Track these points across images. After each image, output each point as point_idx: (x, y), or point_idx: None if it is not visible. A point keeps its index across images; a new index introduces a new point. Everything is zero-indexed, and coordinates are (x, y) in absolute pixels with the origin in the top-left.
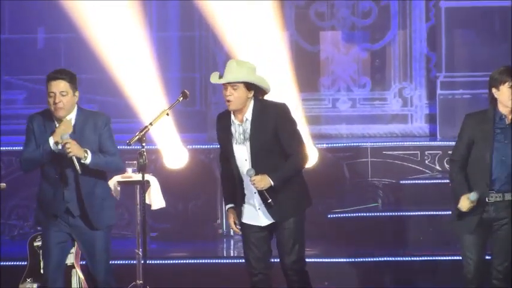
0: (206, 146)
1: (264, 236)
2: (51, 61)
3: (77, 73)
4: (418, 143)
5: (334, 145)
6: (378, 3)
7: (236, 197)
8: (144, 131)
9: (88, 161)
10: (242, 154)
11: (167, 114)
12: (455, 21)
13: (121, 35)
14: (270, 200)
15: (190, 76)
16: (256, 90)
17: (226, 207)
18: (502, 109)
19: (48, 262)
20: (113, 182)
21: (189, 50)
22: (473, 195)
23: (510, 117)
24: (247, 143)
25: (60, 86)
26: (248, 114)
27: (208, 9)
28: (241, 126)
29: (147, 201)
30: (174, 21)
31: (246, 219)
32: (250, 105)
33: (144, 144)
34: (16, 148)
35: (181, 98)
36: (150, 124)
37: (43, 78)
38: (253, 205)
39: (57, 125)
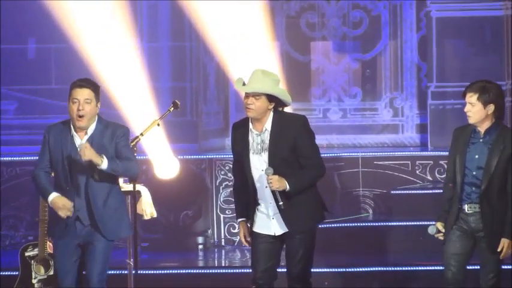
0: (197, 156)
1: (275, 247)
2: (42, 71)
3: (67, 83)
4: (409, 153)
5: (325, 155)
6: (368, 14)
7: (249, 208)
8: (135, 141)
9: (104, 166)
10: (258, 164)
11: (158, 125)
12: (446, 31)
13: (111, 45)
14: (281, 203)
15: (181, 86)
16: (277, 102)
17: (238, 221)
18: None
19: (67, 275)
20: None
21: (180, 60)
22: (430, 229)
23: (483, 132)
24: (265, 154)
25: (84, 94)
26: (268, 124)
27: (198, 20)
28: (259, 136)
29: (138, 212)
30: (165, 32)
31: (257, 229)
32: (270, 115)
33: (135, 154)
34: (7, 158)
35: (172, 108)
36: (141, 134)
37: (34, 88)
38: (266, 214)
39: (73, 134)
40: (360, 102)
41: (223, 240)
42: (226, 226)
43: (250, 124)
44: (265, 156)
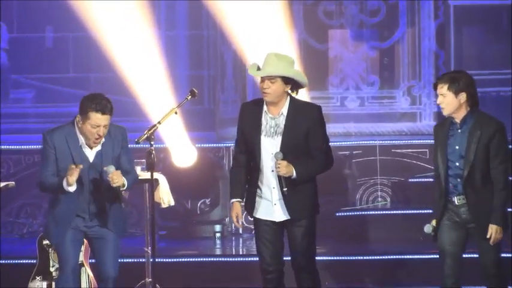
0: (215, 145)
1: (278, 233)
2: (59, 60)
3: (85, 72)
4: (426, 141)
5: (343, 143)
6: (386, 1)
7: (248, 191)
8: (153, 129)
9: (126, 187)
10: (269, 147)
11: (175, 113)
12: (464, 18)
13: (129, 34)
14: (285, 189)
15: (199, 74)
16: (294, 84)
17: (233, 201)
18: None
19: (67, 262)
20: None
21: (197, 48)
22: (427, 228)
23: (459, 122)
24: (278, 137)
25: (105, 121)
26: (284, 109)
27: (216, 8)
28: (274, 120)
29: (156, 200)
30: (182, 20)
31: (260, 215)
32: (287, 100)
33: (152, 142)
34: (24, 147)
35: (190, 97)
36: (159, 123)
37: (51, 77)
38: (269, 200)
39: (80, 142)
40: (378, 90)
41: (240, 228)
42: (244, 214)
43: (264, 106)
44: (278, 140)
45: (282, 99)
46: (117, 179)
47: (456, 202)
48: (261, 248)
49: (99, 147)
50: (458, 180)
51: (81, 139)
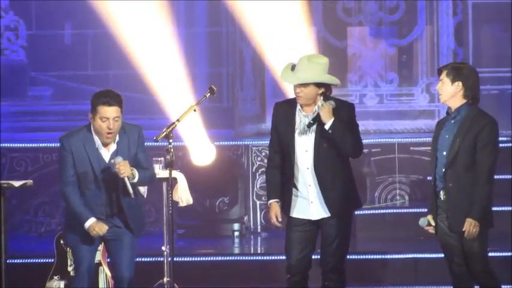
0: (233, 143)
1: (311, 234)
2: (78, 57)
3: (103, 69)
4: None
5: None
6: None
7: (284, 190)
8: (171, 127)
9: (136, 179)
10: (303, 145)
11: (194, 111)
12: (483, 16)
13: (148, 31)
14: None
15: (218, 72)
16: (326, 86)
17: (271, 201)
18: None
19: (82, 262)
20: None
21: (216, 46)
22: (421, 221)
23: (453, 111)
24: (311, 135)
25: (113, 112)
26: (318, 107)
27: (235, 5)
28: (307, 118)
29: (174, 198)
30: (202, 17)
31: (296, 214)
32: (321, 98)
33: (171, 140)
34: (42, 145)
35: (209, 94)
36: (177, 120)
37: (70, 74)
38: (306, 198)
39: (98, 146)
40: (397, 87)
41: (259, 227)
42: (263, 213)
43: (298, 105)
44: (311, 137)
45: (315, 101)
46: (124, 169)
47: (442, 198)
48: (290, 249)
49: (114, 147)
50: (443, 170)
51: (98, 141)
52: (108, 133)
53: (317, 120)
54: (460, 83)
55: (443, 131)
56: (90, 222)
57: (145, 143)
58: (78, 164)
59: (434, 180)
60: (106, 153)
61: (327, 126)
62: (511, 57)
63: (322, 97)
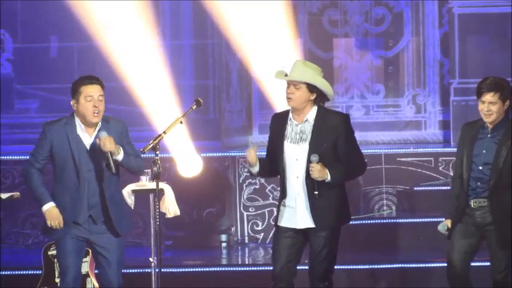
0: (220, 154)
1: (298, 243)
2: (64, 70)
3: None
4: (431, 149)
5: None
6: (391, 10)
7: (279, 201)
8: (158, 139)
9: (120, 156)
10: (293, 154)
11: (181, 122)
12: (469, 27)
13: (134, 43)
14: (317, 192)
15: (204, 84)
16: (319, 95)
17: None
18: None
19: (67, 271)
20: (127, 191)
21: (202, 58)
22: (441, 226)
23: (491, 127)
24: (303, 144)
25: (97, 90)
26: (310, 115)
27: (221, 17)
28: (298, 126)
29: (161, 210)
30: (187, 29)
31: (282, 222)
32: (314, 109)
33: (158, 152)
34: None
35: (195, 106)
36: (164, 132)
37: (56, 87)
38: (293, 207)
39: (79, 132)
40: (383, 98)
41: (246, 237)
42: (250, 224)
43: (290, 114)
44: (304, 146)
45: (306, 107)
46: (107, 143)
47: (472, 205)
48: (275, 258)
49: (95, 133)
50: (478, 183)
51: (80, 126)
52: (95, 112)
53: (311, 130)
54: (508, 102)
55: (479, 145)
56: (48, 206)
57: None
58: (58, 152)
59: (465, 188)
60: (87, 138)
61: (328, 181)
62: (496, 68)
63: (311, 157)
